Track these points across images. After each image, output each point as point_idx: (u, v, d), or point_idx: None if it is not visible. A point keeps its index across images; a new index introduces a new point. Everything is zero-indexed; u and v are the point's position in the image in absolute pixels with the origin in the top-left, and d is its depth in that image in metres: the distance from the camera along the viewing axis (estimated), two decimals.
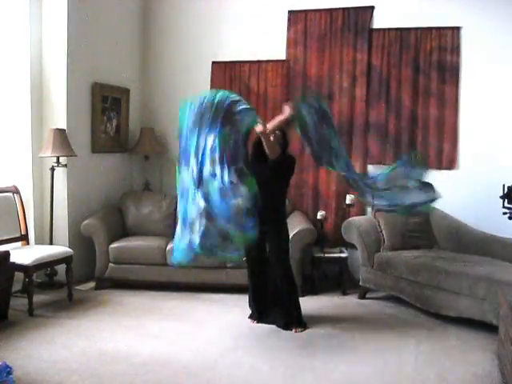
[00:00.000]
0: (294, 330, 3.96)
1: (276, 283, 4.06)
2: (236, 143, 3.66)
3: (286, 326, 3.99)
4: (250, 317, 4.18)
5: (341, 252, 5.14)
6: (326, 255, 5.06)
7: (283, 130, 4.06)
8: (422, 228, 4.89)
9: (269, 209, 3.96)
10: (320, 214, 5.22)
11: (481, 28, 5.07)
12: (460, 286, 4.01)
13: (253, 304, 4.18)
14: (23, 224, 4.70)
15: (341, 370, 3.31)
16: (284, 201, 4.17)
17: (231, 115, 3.63)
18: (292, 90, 5.57)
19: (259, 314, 4.14)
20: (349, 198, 5.23)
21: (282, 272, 4.04)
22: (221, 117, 3.56)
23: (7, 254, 3.99)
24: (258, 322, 4.10)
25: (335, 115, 5.41)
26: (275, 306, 4.11)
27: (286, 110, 3.87)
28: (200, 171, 3.49)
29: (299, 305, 4.08)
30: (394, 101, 5.30)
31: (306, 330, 3.97)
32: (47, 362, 3.33)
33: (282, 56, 5.64)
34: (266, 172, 3.93)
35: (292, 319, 4.02)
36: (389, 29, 5.30)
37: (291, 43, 5.60)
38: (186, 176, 3.58)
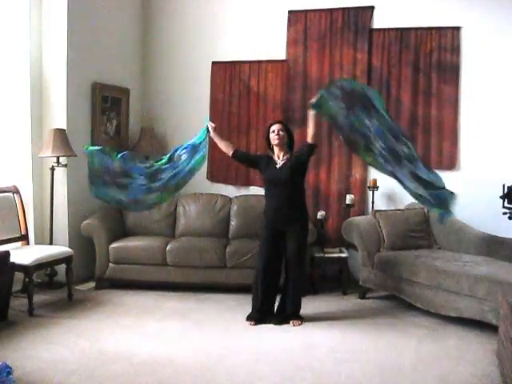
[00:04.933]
0: (292, 323, 4.04)
1: (290, 281, 4.08)
2: None
3: (286, 321, 4.07)
4: (249, 319, 4.12)
5: (341, 252, 5.14)
6: (326, 255, 5.06)
7: (288, 128, 4.17)
8: (422, 228, 4.89)
9: (290, 208, 4.04)
10: (320, 214, 5.22)
11: (481, 28, 5.07)
12: (460, 286, 4.00)
13: (259, 305, 4.11)
14: (23, 224, 4.70)
15: (341, 369, 3.31)
16: (304, 197, 4.19)
17: None
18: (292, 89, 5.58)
19: (263, 314, 4.10)
20: (349, 198, 5.24)
21: (299, 270, 4.08)
22: None
23: (7, 254, 3.99)
24: (256, 324, 4.07)
25: None
26: (281, 302, 4.15)
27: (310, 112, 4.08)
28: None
29: (301, 300, 4.18)
30: (394, 101, 5.30)
31: (307, 330, 3.98)
32: (47, 362, 3.33)
33: (282, 56, 5.64)
34: (283, 173, 4.02)
35: (293, 314, 4.10)
36: (389, 29, 5.30)
37: (291, 43, 5.60)
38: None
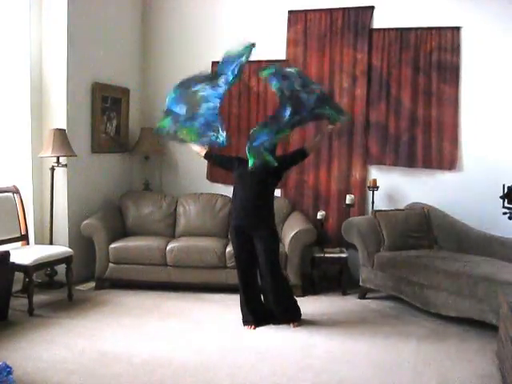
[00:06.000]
0: (292, 325, 4.03)
1: (271, 285, 4.02)
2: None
3: (285, 322, 4.07)
4: (246, 323, 4.07)
5: (341, 252, 5.14)
6: (326, 255, 5.06)
7: None
8: (422, 228, 4.89)
9: (257, 210, 3.99)
10: (320, 214, 5.22)
11: (481, 28, 5.07)
12: (460, 286, 4.01)
13: (248, 311, 4.09)
14: (23, 224, 4.70)
15: (341, 369, 3.31)
16: (273, 205, 4.13)
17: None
18: None
19: (257, 318, 4.08)
20: (349, 198, 5.24)
21: (276, 273, 4.04)
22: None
23: (7, 254, 3.99)
24: (255, 328, 4.04)
25: None
26: (273, 306, 4.10)
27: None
28: None
29: (295, 300, 4.16)
30: (394, 101, 5.30)
31: (307, 330, 3.98)
32: (47, 362, 3.33)
33: (282, 56, 5.64)
34: (258, 172, 3.94)
35: (290, 315, 4.09)
36: (389, 29, 5.30)
37: (291, 43, 5.59)
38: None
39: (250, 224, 4.00)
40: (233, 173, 4.16)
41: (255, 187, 3.96)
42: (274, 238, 4.07)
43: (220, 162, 4.35)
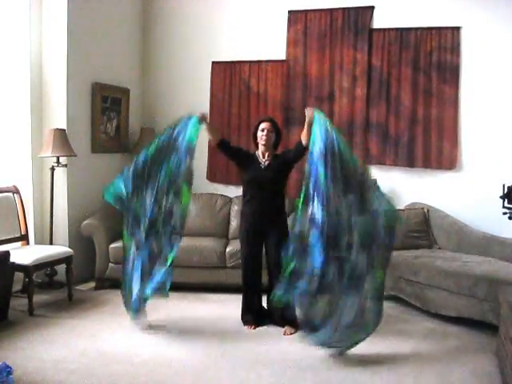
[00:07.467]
0: (286, 332, 3.92)
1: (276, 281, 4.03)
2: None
3: (281, 324, 4.00)
4: (246, 323, 4.06)
5: None
6: None
7: (277, 128, 4.12)
8: (422, 228, 4.89)
9: (272, 210, 3.99)
10: None
11: (481, 28, 5.07)
12: (460, 286, 4.01)
13: (248, 311, 4.08)
14: (23, 224, 4.70)
15: (341, 369, 3.31)
16: (284, 201, 4.14)
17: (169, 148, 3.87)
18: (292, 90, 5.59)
19: (257, 318, 4.06)
20: None
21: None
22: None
23: (7, 254, 3.99)
24: (255, 328, 4.03)
25: (336, 115, 5.43)
26: (272, 306, 4.08)
27: (308, 113, 3.71)
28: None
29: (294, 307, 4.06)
30: (394, 101, 5.30)
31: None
32: (47, 361, 3.33)
33: (282, 56, 5.64)
34: (268, 173, 3.96)
35: (290, 316, 3.99)
36: (389, 29, 5.30)
37: (291, 43, 5.60)
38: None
39: (267, 223, 3.98)
40: (241, 168, 4.12)
41: (269, 186, 3.94)
42: (286, 236, 3.97)
43: (231, 151, 4.12)
